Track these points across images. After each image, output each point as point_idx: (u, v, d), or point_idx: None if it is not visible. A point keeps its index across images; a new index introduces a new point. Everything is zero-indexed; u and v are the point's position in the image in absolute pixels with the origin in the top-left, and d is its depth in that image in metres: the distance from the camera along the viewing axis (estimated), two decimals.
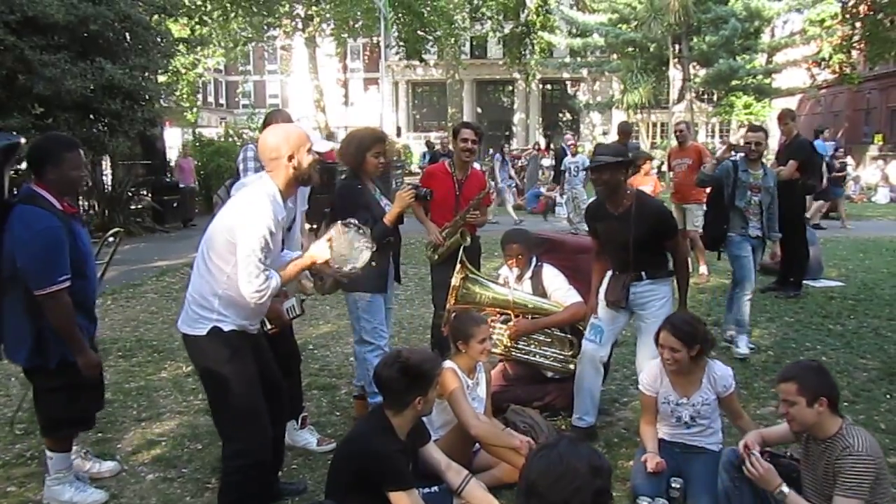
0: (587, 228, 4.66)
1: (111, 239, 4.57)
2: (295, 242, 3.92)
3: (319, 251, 3.08)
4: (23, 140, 4.01)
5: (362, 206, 4.21)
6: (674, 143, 11.25)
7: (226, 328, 2.95)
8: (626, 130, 11.35)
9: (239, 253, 2.83)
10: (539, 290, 4.64)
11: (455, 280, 4.49)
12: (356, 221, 3.27)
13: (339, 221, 3.23)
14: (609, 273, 4.35)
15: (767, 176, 6.11)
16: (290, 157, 2.94)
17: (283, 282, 3.03)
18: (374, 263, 4.12)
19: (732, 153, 6.11)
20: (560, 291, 4.59)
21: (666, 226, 4.29)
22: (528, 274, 4.68)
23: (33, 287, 3.18)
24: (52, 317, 3.21)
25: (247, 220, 2.83)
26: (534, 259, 4.73)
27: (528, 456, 2.13)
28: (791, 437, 3.19)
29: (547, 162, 23.75)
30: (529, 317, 4.58)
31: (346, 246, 3.18)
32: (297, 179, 3.01)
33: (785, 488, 2.89)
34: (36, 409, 3.59)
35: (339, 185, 4.36)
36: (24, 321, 3.28)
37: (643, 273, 4.20)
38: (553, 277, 4.65)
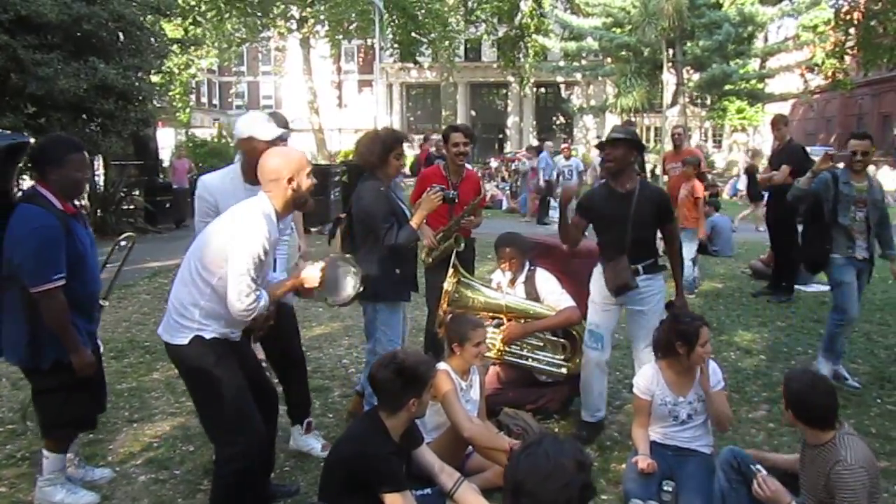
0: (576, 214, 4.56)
1: (123, 243, 4.57)
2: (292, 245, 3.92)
3: (311, 276, 3.10)
4: (32, 140, 4.03)
5: (386, 208, 4.11)
6: (668, 146, 11.27)
7: (207, 336, 2.96)
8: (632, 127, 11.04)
9: (231, 270, 2.83)
10: (532, 294, 4.64)
11: (447, 284, 4.48)
12: (352, 259, 3.30)
13: (340, 255, 3.27)
14: (598, 270, 4.36)
15: (873, 188, 5.28)
16: (290, 180, 2.96)
17: (271, 300, 3.05)
18: (397, 270, 4.11)
19: (832, 164, 5.39)
20: (553, 295, 4.59)
21: (666, 209, 4.38)
22: (522, 278, 4.68)
23: (28, 284, 3.18)
24: (46, 315, 3.22)
25: (242, 238, 2.83)
26: (527, 263, 4.73)
27: (513, 455, 2.14)
28: (795, 468, 3.19)
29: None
30: (522, 321, 4.58)
31: (337, 279, 3.23)
32: (294, 202, 3.03)
33: None
34: (36, 410, 3.60)
35: (365, 187, 4.20)
36: (21, 321, 3.29)
37: (640, 268, 4.23)
38: (546, 281, 4.65)
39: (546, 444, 2.05)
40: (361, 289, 3.32)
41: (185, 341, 2.95)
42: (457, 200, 4.73)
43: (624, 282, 4.19)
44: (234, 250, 2.81)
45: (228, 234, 2.87)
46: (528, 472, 1.98)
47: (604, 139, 4.37)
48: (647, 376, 3.74)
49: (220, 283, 2.86)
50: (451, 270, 4.48)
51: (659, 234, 4.49)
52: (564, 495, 1.94)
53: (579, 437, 4.28)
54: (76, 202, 3.54)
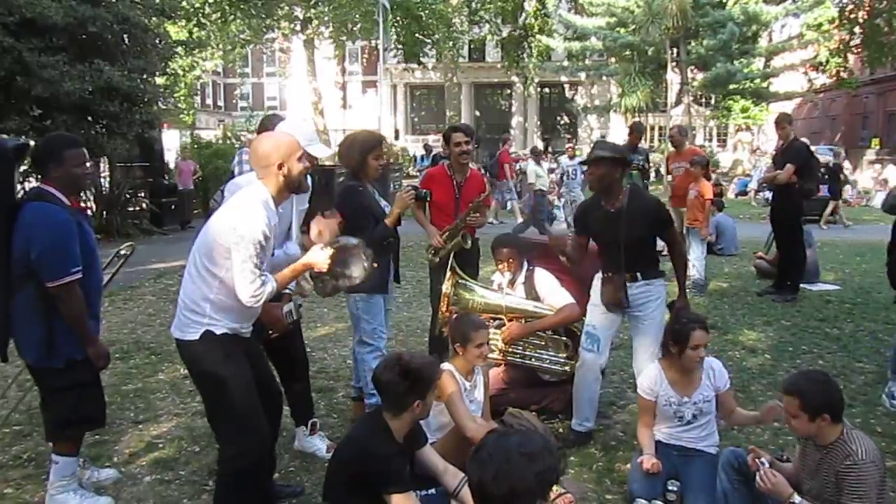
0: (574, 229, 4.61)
1: (123, 252, 4.59)
2: (291, 242, 3.92)
3: (318, 259, 3.09)
4: (32, 143, 4.09)
5: (365, 207, 4.24)
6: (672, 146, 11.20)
7: (218, 331, 2.96)
8: (639, 131, 10.46)
9: (234, 260, 2.84)
10: (532, 294, 4.63)
11: (446, 287, 4.49)
12: (360, 240, 3.31)
13: (347, 237, 3.27)
14: (599, 275, 4.33)
15: None
16: (280, 166, 2.95)
17: (279, 286, 3.05)
18: (375, 264, 4.15)
19: None
20: (553, 294, 4.59)
21: (660, 219, 4.26)
22: (521, 279, 4.68)
23: (47, 278, 3.22)
24: (65, 308, 3.27)
25: (242, 226, 2.83)
26: (525, 263, 4.72)
27: (466, 465, 2.20)
28: (794, 479, 3.12)
29: (546, 165, 23.72)
30: (522, 320, 4.58)
31: (344, 260, 3.22)
32: (287, 187, 3.03)
33: (796, 498, 2.88)
34: (43, 411, 3.60)
35: (341, 187, 4.38)
36: (35, 319, 3.32)
37: (638, 274, 4.19)
38: (545, 281, 4.64)
39: (488, 445, 2.13)
40: (371, 270, 3.31)
41: (196, 336, 2.95)
42: (429, 198, 4.80)
43: (615, 300, 4.18)
44: (237, 241, 2.82)
45: (228, 225, 2.87)
46: (480, 477, 2.06)
47: (588, 156, 4.29)
48: (651, 376, 3.73)
49: (227, 275, 2.87)
50: (448, 273, 4.50)
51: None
52: (520, 486, 2.02)
53: (566, 442, 4.28)
54: (81, 202, 3.59)
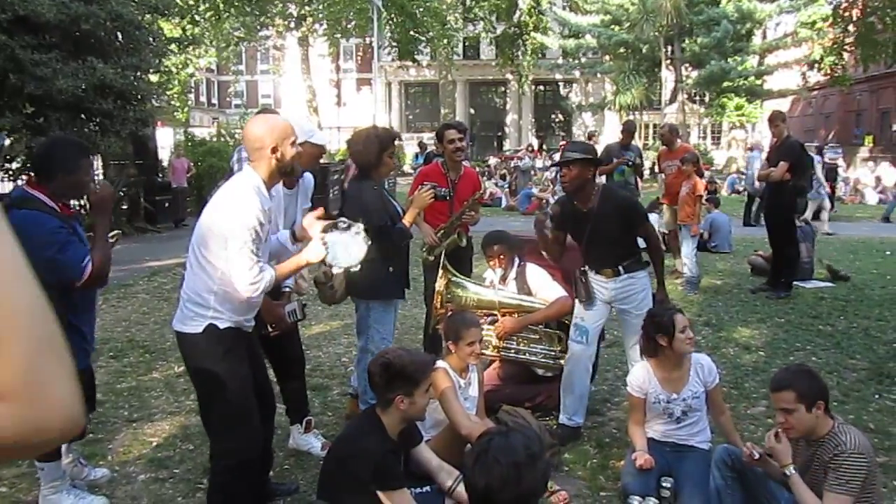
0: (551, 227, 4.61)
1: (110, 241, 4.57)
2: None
3: (315, 252, 3.08)
4: (7, 141, 3.93)
5: (382, 207, 4.13)
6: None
7: (221, 325, 2.94)
8: (630, 130, 10.33)
9: (230, 247, 2.82)
10: (524, 289, 4.65)
11: (439, 285, 4.49)
12: (348, 220, 3.29)
13: (332, 221, 3.26)
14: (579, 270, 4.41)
15: None
16: (274, 149, 2.92)
17: (279, 278, 3.04)
18: (391, 269, 4.12)
19: None
20: (545, 288, 4.61)
21: (633, 215, 4.33)
22: (512, 274, 4.69)
23: (71, 281, 3.13)
24: (103, 270, 3.22)
25: (234, 213, 2.82)
26: (516, 259, 4.73)
27: (466, 468, 2.17)
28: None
29: (540, 163, 23.78)
30: (516, 315, 4.59)
31: (341, 245, 3.21)
32: (280, 171, 3.00)
33: (791, 470, 2.90)
34: None
35: (356, 186, 4.27)
36: None
37: (620, 268, 4.25)
38: (537, 275, 4.66)
39: (494, 448, 2.09)
40: (370, 241, 3.29)
41: (199, 329, 2.93)
42: (448, 197, 4.76)
43: (580, 296, 4.30)
44: (231, 228, 2.81)
45: (222, 214, 2.86)
46: (487, 483, 2.04)
47: (560, 158, 4.36)
48: (640, 375, 3.75)
49: (226, 265, 2.85)
50: (440, 272, 4.49)
51: None
52: (527, 488, 2.02)
53: (560, 438, 4.29)
54: (74, 202, 3.48)
